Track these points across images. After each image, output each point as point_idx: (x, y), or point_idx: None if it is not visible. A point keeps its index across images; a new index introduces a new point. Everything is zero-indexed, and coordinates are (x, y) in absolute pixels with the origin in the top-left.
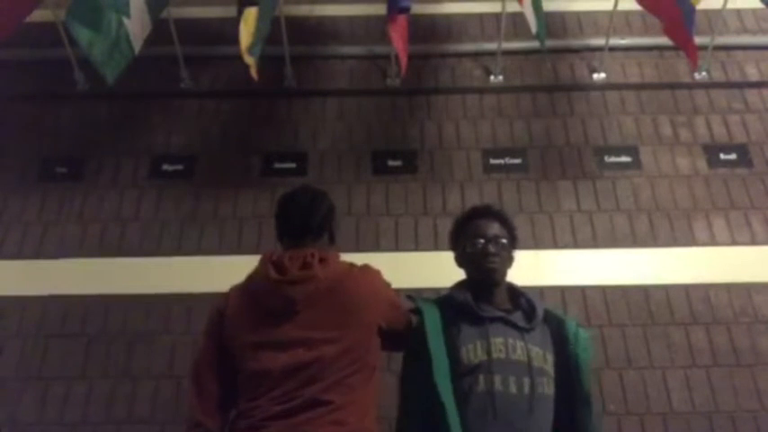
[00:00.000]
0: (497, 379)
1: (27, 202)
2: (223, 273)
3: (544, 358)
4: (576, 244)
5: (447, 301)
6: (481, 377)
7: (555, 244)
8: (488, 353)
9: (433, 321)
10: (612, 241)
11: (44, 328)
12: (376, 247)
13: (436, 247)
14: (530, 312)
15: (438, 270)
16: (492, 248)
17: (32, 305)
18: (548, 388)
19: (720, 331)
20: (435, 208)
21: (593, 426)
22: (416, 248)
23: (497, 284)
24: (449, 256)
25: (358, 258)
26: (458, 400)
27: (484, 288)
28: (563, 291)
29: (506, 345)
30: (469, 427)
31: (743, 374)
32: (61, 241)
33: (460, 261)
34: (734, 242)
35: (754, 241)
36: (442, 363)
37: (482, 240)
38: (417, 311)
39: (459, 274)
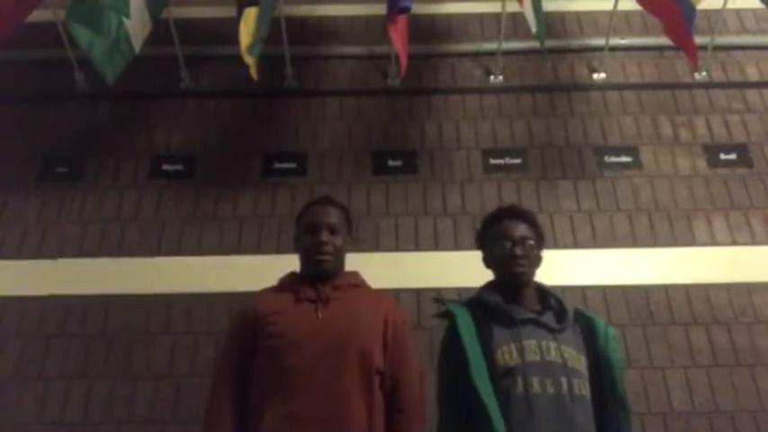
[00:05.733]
0: (535, 381)
1: (27, 202)
2: (223, 273)
3: (578, 360)
4: (576, 244)
5: (477, 303)
6: (519, 379)
7: (555, 244)
8: (522, 355)
9: (465, 323)
10: (612, 241)
11: (44, 328)
12: (376, 247)
13: (436, 247)
14: (560, 313)
15: (438, 270)
16: (519, 251)
17: (32, 305)
18: (584, 389)
19: (720, 331)
20: (435, 208)
21: (630, 429)
22: (416, 248)
23: (526, 286)
24: (449, 256)
25: (358, 258)
26: (497, 401)
27: (512, 289)
28: (563, 291)
29: (540, 346)
30: (513, 428)
31: (743, 374)
32: (61, 241)
33: (488, 263)
34: (734, 242)
35: (754, 241)
36: (480, 364)
37: (509, 242)
38: (449, 313)
39: (460, 275)
